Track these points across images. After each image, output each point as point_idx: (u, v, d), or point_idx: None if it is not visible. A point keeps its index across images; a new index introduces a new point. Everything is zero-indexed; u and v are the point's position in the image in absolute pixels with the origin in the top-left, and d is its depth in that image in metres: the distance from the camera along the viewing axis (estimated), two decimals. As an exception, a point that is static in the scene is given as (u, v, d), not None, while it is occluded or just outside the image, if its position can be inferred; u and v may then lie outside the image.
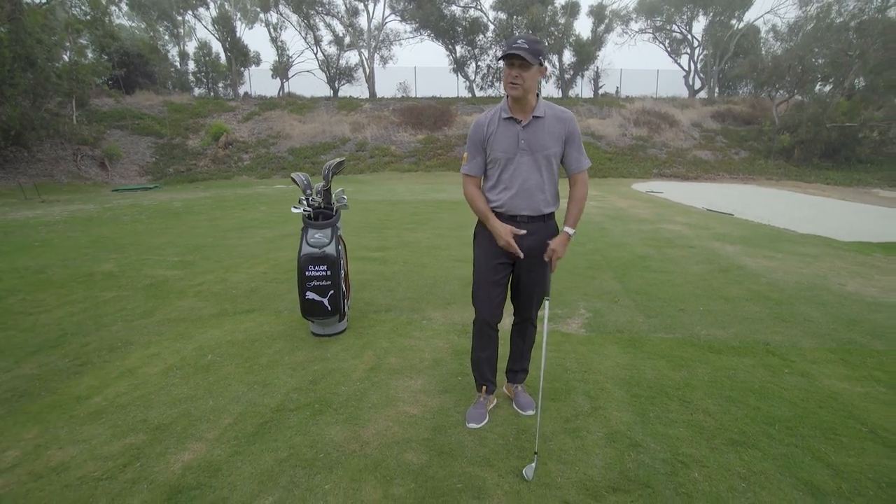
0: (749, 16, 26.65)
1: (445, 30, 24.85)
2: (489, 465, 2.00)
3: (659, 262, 5.46)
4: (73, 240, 6.73)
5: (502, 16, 23.85)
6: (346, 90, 27.15)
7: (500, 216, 2.14)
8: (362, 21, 26.24)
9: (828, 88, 20.68)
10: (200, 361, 2.94)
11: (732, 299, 4.12)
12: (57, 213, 9.68)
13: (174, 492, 1.84)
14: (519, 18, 22.90)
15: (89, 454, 2.07)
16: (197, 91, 25.32)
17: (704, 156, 20.17)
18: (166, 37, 26.26)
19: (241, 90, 26.01)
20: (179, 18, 25.71)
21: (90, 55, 19.60)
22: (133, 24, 26.60)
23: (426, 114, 22.69)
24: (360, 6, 25.52)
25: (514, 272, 2.25)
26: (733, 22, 26.33)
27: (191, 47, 26.40)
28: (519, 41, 1.92)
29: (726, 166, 19.35)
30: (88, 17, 17.78)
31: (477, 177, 2.16)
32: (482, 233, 2.23)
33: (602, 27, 25.62)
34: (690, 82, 28.36)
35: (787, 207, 10.91)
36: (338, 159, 3.25)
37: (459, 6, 24.90)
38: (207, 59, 25.04)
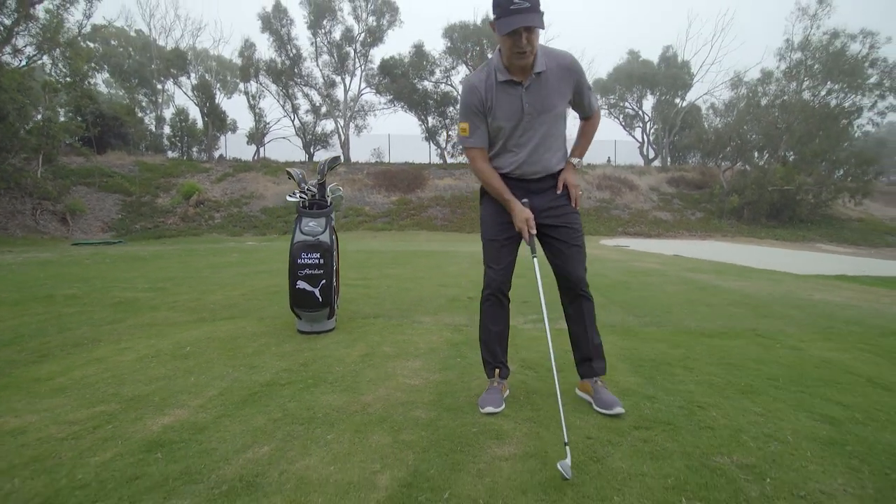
0: (690, 96, 29.78)
1: (418, 102, 26.55)
2: (503, 415, 1.88)
3: (638, 285, 5.60)
4: (30, 274, 6.32)
5: (471, 91, 25.82)
6: (321, 155, 27.96)
7: (508, 177, 1.91)
8: (339, 92, 27.73)
9: (765, 157, 22.88)
10: (179, 352, 2.72)
11: (714, 305, 4.23)
12: (9, 259, 9.12)
13: (154, 445, 1.63)
14: (486, 93, 24.80)
15: (51, 420, 1.82)
16: (171, 154, 25.48)
17: (664, 216, 21.45)
18: (144, 102, 26.79)
19: (216, 154, 26.39)
20: (160, 87, 26.46)
21: (63, 115, 19.64)
22: (112, 92, 27.11)
23: (400, 177, 23.48)
24: (338, 79, 27.17)
25: (543, 246, 1.99)
26: (677, 101, 29.42)
27: (168, 113, 26.85)
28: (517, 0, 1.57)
29: (684, 225, 20.58)
30: (68, 79, 18.06)
31: (484, 148, 1.89)
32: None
33: (562, 103, 28.03)
34: (645, 152, 30.85)
35: (747, 255, 11.57)
36: (333, 155, 3.31)
37: (431, 81, 26.88)
38: (184, 123, 25.52)
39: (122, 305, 4.14)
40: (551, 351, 1.82)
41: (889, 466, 1.44)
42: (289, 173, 3.26)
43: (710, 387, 2.17)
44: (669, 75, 28.61)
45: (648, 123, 31.12)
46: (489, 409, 1.89)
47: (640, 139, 31.59)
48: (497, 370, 2.04)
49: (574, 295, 2.03)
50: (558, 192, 1.94)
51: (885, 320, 3.62)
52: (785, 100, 21.94)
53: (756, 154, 23.00)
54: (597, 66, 40.27)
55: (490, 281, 2.00)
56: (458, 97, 2.54)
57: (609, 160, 27.60)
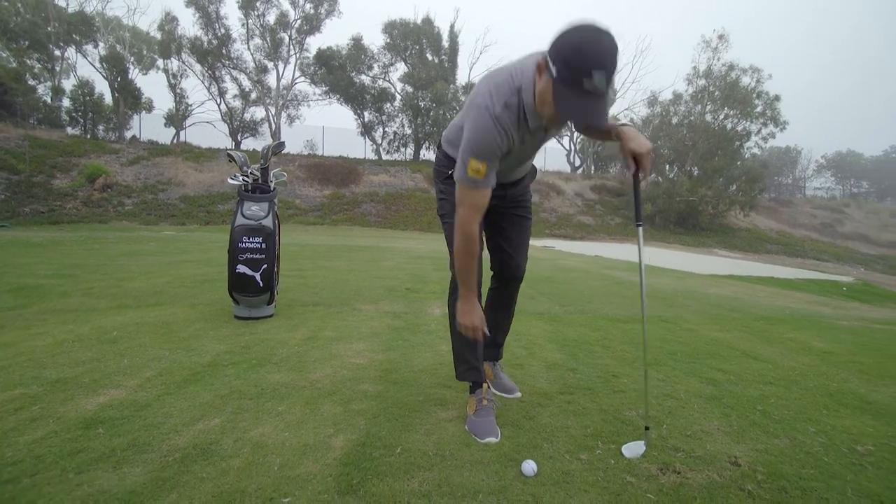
0: (613, 110, 32.06)
1: (354, 96, 26.09)
2: (446, 386, 2.05)
3: (562, 279, 6.07)
4: None
5: (409, 88, 25.86)
6: (249, 143, 26.51)
7: None
8: (271, 79, 26.44)
9: (674, 171, 25.36)
10: (104, 336, 2.57)
11: (628, 297, 4.74)
12: None
13: (92, 423, 1.58)
14: (424, 92, 25.00)
15: (-34, 403, 1.69)
16: (71, 130, 22.76)
17: (587, 220, 23.01)
18: (37, 68, 23.62)
19: (128, 134, 24.03)
20: (58, 53, 23.52)
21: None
22: (-5, 54, 23.60)
23: (333, 171, 22.93)
24: (270, 65, 25.91)
25: (491, 225, 1.88)
26: (600, 114, 31.59)
27: (68, 84, 23.89)
28: (598, 78, 1.30)
29: (605, 229, 22.23)
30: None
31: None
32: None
33: (496, 108, 28.99)
34: (572, 160, 32.77)
35: (658, 257, 12.82)
36: (278, 141, 3.28)
37: (369, 76, 26.54)
38: (88, 98, 22.91)
39: (24, 291, 3.76)
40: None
41: (750, 411, 1.83)
42: (230, 156, 3.17)
43: (622, 361, 2.50)
44: (595, 89, 30.61)
45: (575, 133, 33.10)
46: (490, 439, 1.57)
47: (568, 147, 33.51)
48: (485, 385, 1.76)
49: (512, 278, 1.97)
50: (629, 165, 1.63)
51: (759, 309, 4.32)
52: (691, 120, 24.51)
53: (667, 167, 25.40)
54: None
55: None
56: (472, 130, 1.37)
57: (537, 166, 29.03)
